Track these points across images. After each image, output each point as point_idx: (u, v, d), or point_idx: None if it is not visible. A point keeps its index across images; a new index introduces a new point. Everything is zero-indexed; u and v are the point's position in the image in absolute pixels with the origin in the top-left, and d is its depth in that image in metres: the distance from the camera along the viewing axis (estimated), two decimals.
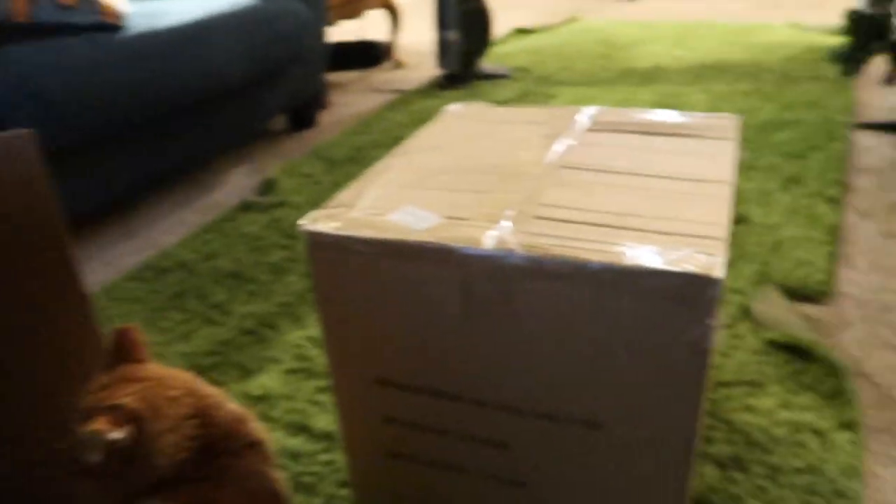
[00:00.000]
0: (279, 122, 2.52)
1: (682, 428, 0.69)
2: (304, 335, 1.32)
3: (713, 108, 2.41)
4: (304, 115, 2.41)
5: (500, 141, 0.92)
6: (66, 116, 1.48)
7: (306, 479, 1.02)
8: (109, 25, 1.59)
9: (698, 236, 0.66)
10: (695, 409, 0.67)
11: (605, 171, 0.81)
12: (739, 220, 1.67)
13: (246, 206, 1.84)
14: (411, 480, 0.87)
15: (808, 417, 1.09)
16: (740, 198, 1.76)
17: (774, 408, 1.11)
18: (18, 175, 0.71)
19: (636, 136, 0.91)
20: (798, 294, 1.40)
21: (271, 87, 2.11)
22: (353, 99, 2.80)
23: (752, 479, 0.99)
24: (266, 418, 0.74)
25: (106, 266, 1.66)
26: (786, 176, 1.87)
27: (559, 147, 0.88)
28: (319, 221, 0.74)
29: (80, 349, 0.78)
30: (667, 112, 0.98)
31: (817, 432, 1.06)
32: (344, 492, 0.99)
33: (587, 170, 0.82)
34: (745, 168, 1.94)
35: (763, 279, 1.44)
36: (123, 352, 0.65)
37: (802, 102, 2.38)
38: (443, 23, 2.72)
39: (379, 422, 0.83)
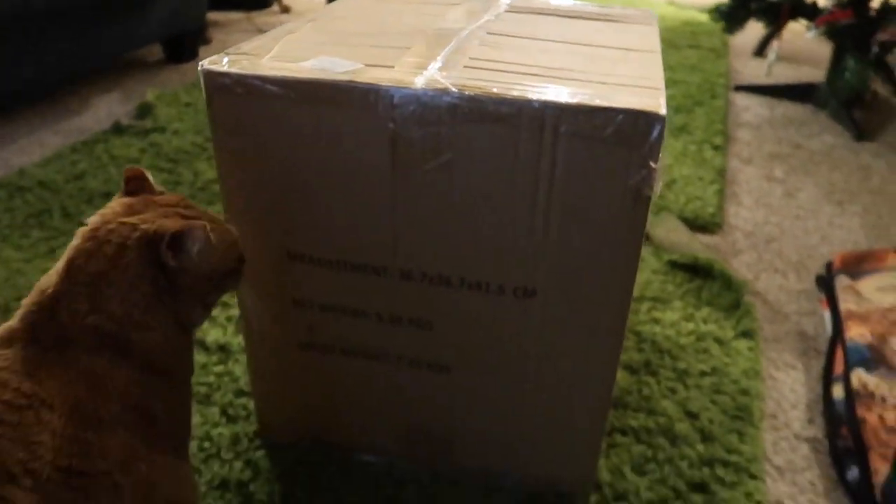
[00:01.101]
0: (155, 52, 2.32)
1: (618, 288, 0.66)
2: None
3: None
4: (183, 46, 2.22)
5: (416, 13, 0.85)
6: None
7: (201, 389, 0.91)
8: None
9: (637, 86, 0.63)
10: (633, 265, 0.64)
11: (532, 38, 0.77)
12: None
13: (119, 130, 1.66)
14: (323, 375, 0.79)
15: (710, 328, 1.11)
16: None
17: (679, 320, 1.12)
18: None
19: (558, 18, 0.87)
20: (692, 225, 1.43)
21: (143, 8, 1.91)
22: (236, 38, 2.62)
23: (662, 381, 0.99)
24: None
25: None
26: (675, 126, 1.92)
27: (481, 18, 0.83)
28: (222, 64, 0.65)
29: None
30: (583, 2, 0.95)
31: (719, 341, 1.08)
32: (241, 400, 0.90)
33: (513, 36, 0.77)
34: None
35: (660, 210, 1.46)
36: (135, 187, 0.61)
37: (685, 66, 2.48)
38: None
39: (288, 306, 0.74)
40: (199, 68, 0.64)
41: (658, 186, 0.61)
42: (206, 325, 1.04)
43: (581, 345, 0.70)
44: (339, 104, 0.62)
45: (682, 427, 0.91)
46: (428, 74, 0.63)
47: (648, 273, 1.24)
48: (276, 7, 3.03)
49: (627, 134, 0.58)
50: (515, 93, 0.59)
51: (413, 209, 0.66)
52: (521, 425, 0.77)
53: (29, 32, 1.58)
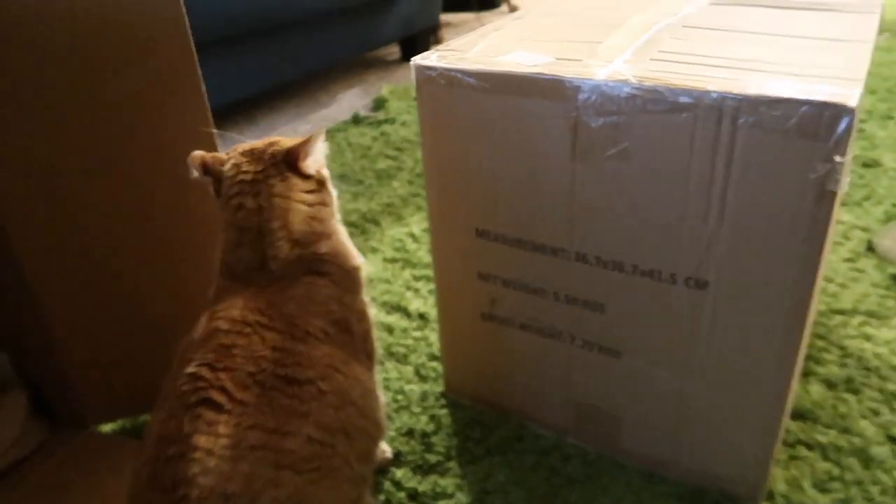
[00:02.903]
0: (393, 52, 2.58)
1: (797, 289, 0.64)
2: (405, 231, 1.33)
3: None
4: (416, 45, 2.44)
5: (618, 7, 0.88)
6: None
7: (399, 349, 1.03)
8: None
9: (832, 76, 0.61)
10: (814, 264, 0.62)
11: (731, 30, 0.76)
12: (870, 163, 1.55)
13: (357, 120, 1.88)
14: (501, 346, 0.86)
15: None
16: (872, 143, 1.63)
17: (895, 339, 1.02)
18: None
19: (766, 9, 0.84)
20: None
21: (385, 11, 2.14)
22: None
23: (864, 401, 0.92)
24: None
25: None
26: None
27: (682, 11, 0.83)
28: (430, 59, 0.74)
29: None
30: None
31: None
32: (433, 364, 1.00)
33: (711, 28, 0.77)
34: (880, 117, 1.79)
35: (891, 219, 1.32)
36: None
37: None
38: None
39: (474, 279, 0.82)
40: (411, 63, 0.74)
41: (846, 182, 0.58)
42: (409, 294, 1.16)
43: (753, 344, 0.69)
44: (527, 94, 0.68)
45: (881, 451, 0.84)
46: (613, 67, 0.66)
47: (867, 285, 1.14)
48: (504, 7, 3.16)
49: (811, 126, 0.57)
50: (694, 83, 0.61)
51: (590, 195, 0.70)
52: (687, 418, 0.77)
53: (297, 33, 1.86)
